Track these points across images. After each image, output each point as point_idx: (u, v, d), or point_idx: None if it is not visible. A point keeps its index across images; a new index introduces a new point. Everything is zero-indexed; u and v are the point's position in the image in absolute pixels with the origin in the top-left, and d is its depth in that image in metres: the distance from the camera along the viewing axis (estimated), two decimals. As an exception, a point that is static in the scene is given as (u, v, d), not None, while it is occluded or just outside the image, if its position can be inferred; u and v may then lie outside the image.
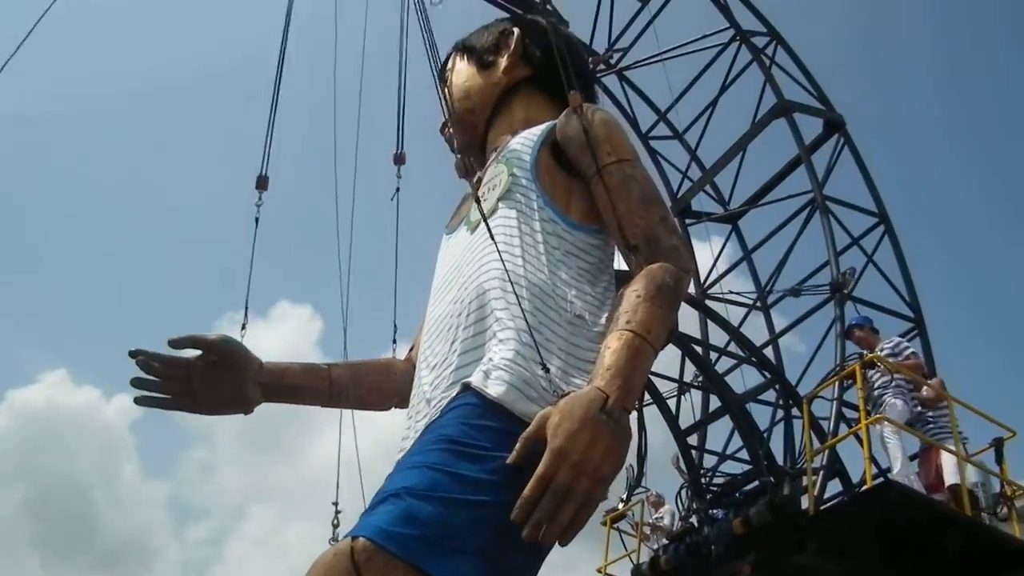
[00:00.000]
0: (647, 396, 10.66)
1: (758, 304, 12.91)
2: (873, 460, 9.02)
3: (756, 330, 12.93)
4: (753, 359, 10.88)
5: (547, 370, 1.66)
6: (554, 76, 2.08)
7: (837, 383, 9.80)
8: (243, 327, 2.27)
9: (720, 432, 11.69)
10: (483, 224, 1.89)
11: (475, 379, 1.69)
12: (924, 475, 9.20)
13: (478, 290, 1.83)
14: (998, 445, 9.76)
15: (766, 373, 10.77)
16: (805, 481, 9.19)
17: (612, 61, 14.53)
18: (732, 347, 11.54)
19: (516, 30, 2.26)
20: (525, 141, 2.03)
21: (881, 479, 8.40)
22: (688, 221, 13.91)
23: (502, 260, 1.81)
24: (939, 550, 8.46)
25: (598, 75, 14.46)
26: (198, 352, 2.05)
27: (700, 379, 10.65)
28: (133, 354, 2.03)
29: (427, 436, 1.67)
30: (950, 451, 8.83)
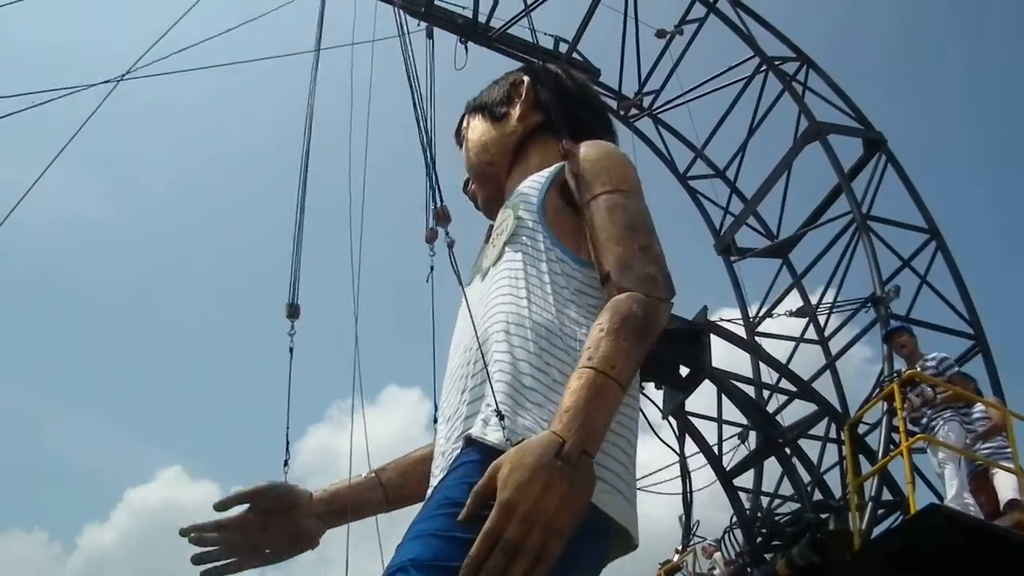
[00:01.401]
0: (688, 439, 10.20)
1: (806, 336, 12.28)
2: (930, 487, 8.40)
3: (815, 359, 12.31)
4: (801, 393, 10.32)
5: (502, 417, 1.60)
6: (568, 119, 2.09)
7: (885, 407, 9.16)
8: (285, 463, 2.24)
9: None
10: (492, 271, 1.91)
11: (475, 430, 1.65)
12: (983, 504, 8.48)
13: (483, 336, 1.79)
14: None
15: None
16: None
17: (643, 104, 14.28)
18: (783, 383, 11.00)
19: (526, 78, 2.26)
20: (533, 184, 2.00)
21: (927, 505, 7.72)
22: (733, 258, 13.42)
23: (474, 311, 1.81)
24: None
25: (631, 120, 14.26)
26: (247, 506, 2.09)
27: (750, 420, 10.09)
28: (184, 532, 2.07)
29: (433, 498, 1.65)
30: (1007, 469, 8.11)
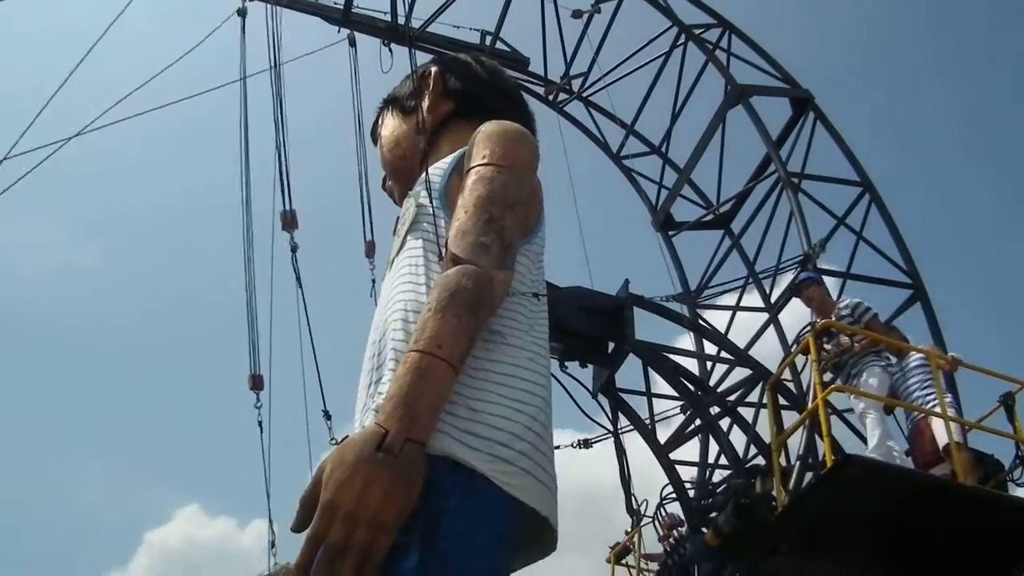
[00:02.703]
0: (623, 418, 9.94)
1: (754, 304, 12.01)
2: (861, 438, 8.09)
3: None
4: (738, 361, 10.06)
5: (328, 416, 1.73)
6: (477, 106, 2.12)
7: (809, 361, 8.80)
8: (272, 545, 2.08)
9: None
10: (395, 261, 1.88)
11: (369, 421, 1.54)
12: (920, 452, 8.18)
13: (383, 328, 1.75)
14: (1008, 401, 8.64)
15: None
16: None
17: (571, 87, 14.06)
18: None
19: (434, 68, 2.25)
20: (436, 170, 1.97)
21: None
22: (671, 232, 13.15)
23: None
24: (936, 529, 7.41)
25: (560, 104, 14.05)
26: None
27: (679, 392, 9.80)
28: None
29: None
30: (935, 415, 7.84)
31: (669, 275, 12.98)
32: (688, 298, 12.30)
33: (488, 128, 1.89)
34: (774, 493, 8.00)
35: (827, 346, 8.36)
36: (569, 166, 11.68)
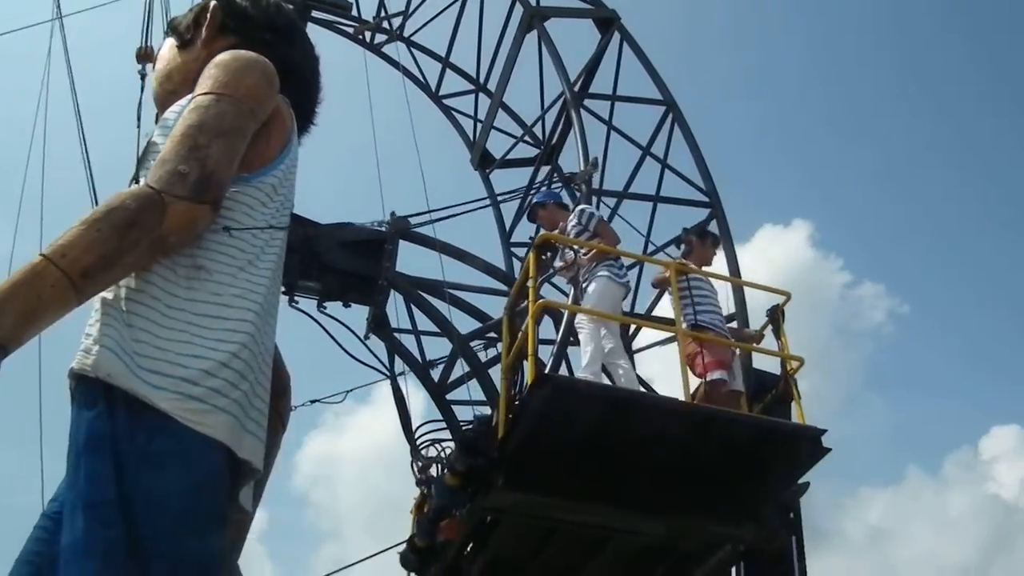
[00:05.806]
0: (400, 362, 9.41)
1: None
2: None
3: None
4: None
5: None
6: (253, 42, 2.05)
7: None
8: None
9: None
10: None
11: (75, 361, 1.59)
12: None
13: None
14: (774, 314, 8.14)
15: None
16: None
17: (391, 27, 13.47)
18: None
19: (213, 3, 2.21)
20: (177, 106, 1.91)
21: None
22: (487, 170, 12.56)
23: None
24: (662, 452, 6.89)
25: (377, 45, 13.47)
26: None
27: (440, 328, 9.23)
28: None
29: None
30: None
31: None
32: (502, 234, 11.73)
33: (217, 58, 1.86)
34: (492, 423, 7.51)
35: (557, 263, 7.84)
36: (374, 108, 11.04)
